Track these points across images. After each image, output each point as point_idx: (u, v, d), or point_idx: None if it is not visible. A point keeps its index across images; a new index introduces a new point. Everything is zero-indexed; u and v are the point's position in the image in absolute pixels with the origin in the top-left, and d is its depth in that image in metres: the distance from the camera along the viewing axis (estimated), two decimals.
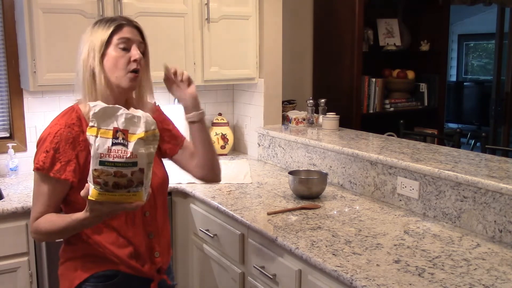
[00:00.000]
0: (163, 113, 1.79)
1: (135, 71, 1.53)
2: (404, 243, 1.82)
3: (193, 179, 2.43)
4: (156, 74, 2.80)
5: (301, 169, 2.55)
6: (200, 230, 2.46)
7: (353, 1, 3.55)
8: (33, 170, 1.49)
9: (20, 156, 2.83)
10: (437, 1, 4.05)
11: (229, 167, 2.99)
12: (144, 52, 1.58)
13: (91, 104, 1.30)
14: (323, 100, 3.32)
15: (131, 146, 1.28)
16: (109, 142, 1.28)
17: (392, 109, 4.00)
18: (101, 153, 1.27)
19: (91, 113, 1.28)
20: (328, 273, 1.63)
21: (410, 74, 4.13)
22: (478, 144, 5.88)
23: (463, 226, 1.98)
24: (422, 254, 1.72)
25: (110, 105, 1.31)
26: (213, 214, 2.36)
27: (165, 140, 1.72)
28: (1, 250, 2.26)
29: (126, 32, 1.53)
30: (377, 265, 1.63)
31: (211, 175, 1.79)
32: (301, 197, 2.36)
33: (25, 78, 2.65)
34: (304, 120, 3.24)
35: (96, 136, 1.29)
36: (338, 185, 2.60)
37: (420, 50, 4.16)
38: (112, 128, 1.29)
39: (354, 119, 3.65)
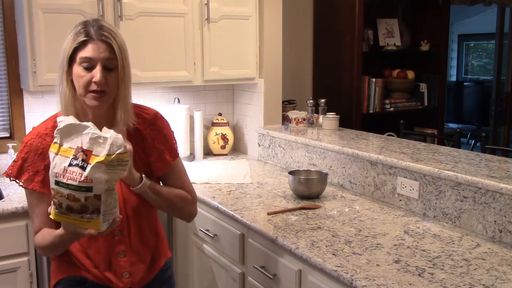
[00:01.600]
0: (162, 128, 1.65)
1: (96, 92, 1.42)
2: (404, 243, 1.82)
3: (192, 180, 2.43)
4: (156, 74, 2.83)
5: (301, 169, 2.55)
6: (200, 230, 2.46)
7: (353, 1, 3.55)
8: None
9: None
10: (437, 1, 4.05)
11: (229, 167, 2.99)
12: (117, 67, 1.45)
13: (59, 119, 1.26)
14: (323, 100, 3.32)
15: (88, 169, 1.18)
16: (67, 162, 1.20)
17: (392, 109, 4.00)
18: (56, 173, 1.21)
19: (56, 129, 1.24)
20: (328, 273, 1.63)
21: (410, 74, 4.13)
22: (478, 144, 5.88)
23: (463, 226, 1.98)
24: (422, 254, 1.72)
25: (78, 123, 1.24)
26: (213, 214, 2.36)
27: (151, 160, 1.60)
28: (1, 250, 2.26)
29: (89, 51, 1.41)
30: (377, 265, 1.63)
31: (180, 218, 1.77)
32: (301, 197, 2.36)
33: (25, 78, 2.64)
34: (304, 120, 3.24)
35: (56, 154, 1.23)
36: (338, 185, 2.60)
37: (420, 50, 4.16)
38: (75, 147, 1.22)
39: (354, 119, 3.65)
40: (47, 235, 1.45)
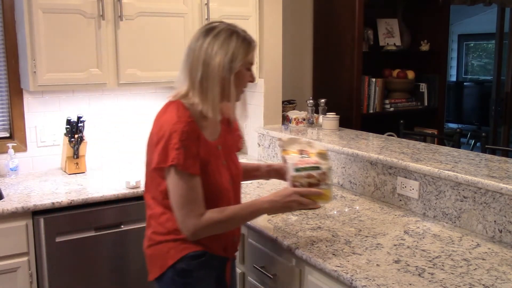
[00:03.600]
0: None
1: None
2: (404, 243, 1.82)
3: None
4: (156, 74, 2.82)
5: None
6: None
7: (353, 1, 3.55)
8: (160, 166, 1.57)
9: (20, 156, 2.83)
10: (437, 1, 4.05)
11: None
12: None
13: (281, 136, 1.62)
14: (323, 100, 3.32)
15: (313, 157, 1.76)
16: (298, 157, 1.77)
17: (392, 109, 4.00)
18: (294, 163, 1.73)
19: (282, 141, 1.84)
20: (328, 273, 1.63)
21: (410, 74, 4.13)
22: (478, 144, 5.89)
23: (463, 226, 1.98)
24: (422, 254, 1.72)
25: (292, 136, 1.72)
26: None
27: (235, 138, 1.89)
28: (1, 250, 2.26)
29: (254, 56, 1.68)
30: (377, 265, 1.63)
31: None
32: None
33: (25, 78, 2.65)
34: (304, 120, 3.24)
35: (289, 154, 1.79)
36: (338, 185, 2.60)
37: (420, 50, 4.16)
38: (297, 150, 1.80)
39: (354, 119, 3.65)
40: (234, 209, 1.66)
